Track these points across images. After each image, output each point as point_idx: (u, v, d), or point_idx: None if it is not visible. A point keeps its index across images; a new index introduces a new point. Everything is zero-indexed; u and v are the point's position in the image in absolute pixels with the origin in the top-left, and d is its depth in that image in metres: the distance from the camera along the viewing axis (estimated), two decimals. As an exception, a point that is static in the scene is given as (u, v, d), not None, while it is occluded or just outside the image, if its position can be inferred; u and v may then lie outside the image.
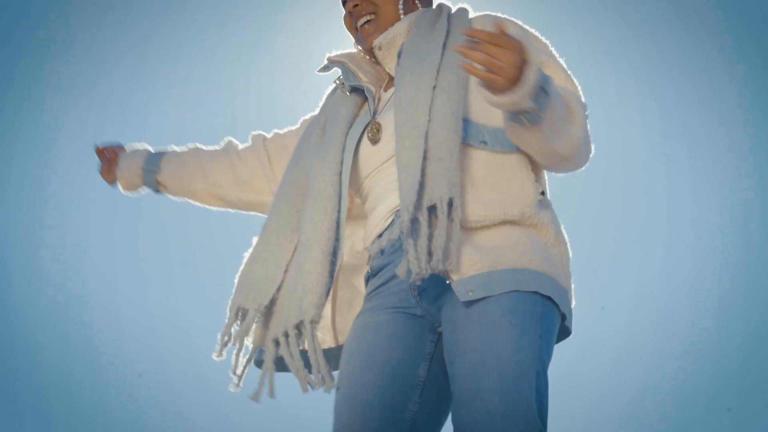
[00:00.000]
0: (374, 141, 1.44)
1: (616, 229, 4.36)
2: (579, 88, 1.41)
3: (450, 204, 1.20)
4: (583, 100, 1.38)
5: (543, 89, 1.13)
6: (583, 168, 1.42)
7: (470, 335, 1.18)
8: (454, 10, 1.55)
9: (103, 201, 4.32)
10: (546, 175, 1.44)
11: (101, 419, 4.08)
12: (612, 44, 4.17)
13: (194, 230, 4.25)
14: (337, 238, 1.38)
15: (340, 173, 1.41)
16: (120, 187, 1.89)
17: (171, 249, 4.35)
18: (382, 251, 1.38)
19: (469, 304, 1.21)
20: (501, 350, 1.13)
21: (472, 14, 1.54)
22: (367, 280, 1.45)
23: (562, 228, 1.39)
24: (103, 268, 4.32)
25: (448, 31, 1.44)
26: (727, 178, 4.25)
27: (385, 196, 1.38)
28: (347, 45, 1.62)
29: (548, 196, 1.42)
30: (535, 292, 1.22)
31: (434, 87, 1.33)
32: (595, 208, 4.25)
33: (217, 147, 1.85)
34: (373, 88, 1.51)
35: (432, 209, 1.21)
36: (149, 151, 1.86)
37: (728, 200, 4.27)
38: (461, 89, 1.33)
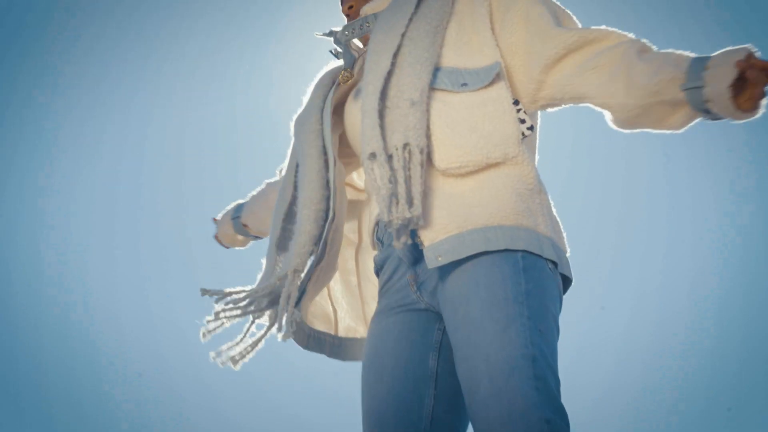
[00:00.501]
0: (347, 86, 1.44)
1: (616, 229, 4.36)
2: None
3: (406, 149, 1.19)
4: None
5: None
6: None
7: (460, 340, 1.16)
8: None
9: (103, 201, 4.32)
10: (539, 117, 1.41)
11: (101, 419, 4.08)
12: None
13: (193, 230, 4.26)
14: (326, 186, 1.37)
15: (321, 131, 1.41)
16: (229, 245, 1.92)
17: (171, 249, 4.35)
18: (381, 243, 1.38)
19: (452, 297, 1.19)
20: (488, 351, 1.10)
21: None
22: (377, 275, 1.44)
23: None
24: (103, 268, 4.32)
25: None
26: (727, 179, 4.26)
27: None
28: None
29: (537, 132, 1.39)
30: (506, 250, 1.17)
31: (403, 35, 1.31)
32: (595, 208, 4.25)
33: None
34: (356, 54, 1.50)
35: (390, 158, 1.20)
36: (238, 203, 1.87)
37: (728, 200, 4.27)
38: (432, 36, 1.31)
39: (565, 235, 1.34)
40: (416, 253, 1.27)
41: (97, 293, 4.26)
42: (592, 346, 4.03)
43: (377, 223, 1.39)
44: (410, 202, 1.17)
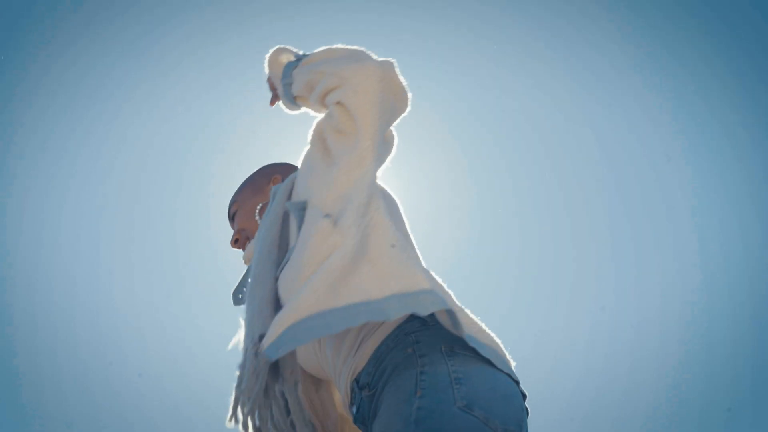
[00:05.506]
0: None
1: (617, 229, 4.37)
2: None
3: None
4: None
5: None
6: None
7: None
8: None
9: (104, 203, 4.33)
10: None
11: (101, 418, 4.09)
12: (614, 46, 4.17)
13: (195, 233, 4.26)
14: None
15: None
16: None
17: (171, 251, 4.36)
18: None
19: None
20: None
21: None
22: None
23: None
24: (103, 269, 4.33)
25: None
26: (728, 179, 4.26)
27: None
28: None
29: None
30: None
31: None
32: (596, 209, 4.26)
33: None
34: None
35: None
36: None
37: (728, 200, 4.27)
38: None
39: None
40: None
41: (97, 294, 4.27)
42: (592, 346, 4.04)
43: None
44: None
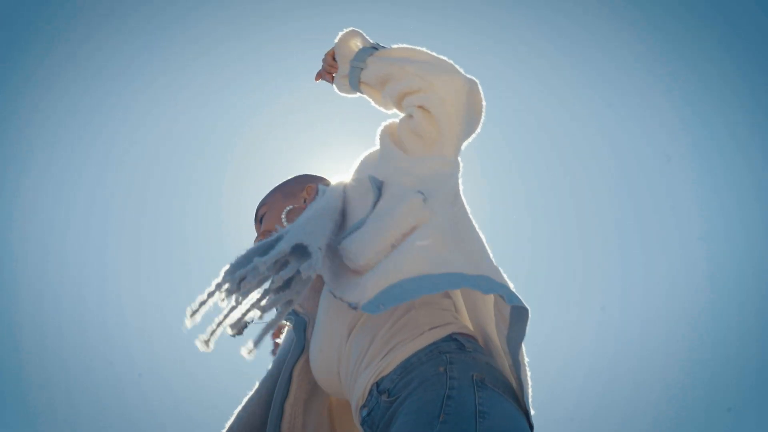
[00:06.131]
0: None
1: (617, 229, 4.37)
2: None
3: None
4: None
5: None
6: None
7: None
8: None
9: (104, 203, 4.33)
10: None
11: (102, 418, 4.09)
12: (614, 46, 4.18)
13: (195, 233, 4.26)
14: None
15: None
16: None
17: (171, 251, 4.36)
18: None
19: None
20: None
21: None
22: None
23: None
24: (103, 269, 4.33)
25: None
26: (729, 179, 4.26)
27: None
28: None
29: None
30: None
31: None
32: (596, 208, 4.26)
33: None
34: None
35: None
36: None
37: (729, 200, 4.28)
38: None
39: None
40: None
41: (97, 294, 4.27)
42: (592, 346, 4.04)
43: None
44: None
